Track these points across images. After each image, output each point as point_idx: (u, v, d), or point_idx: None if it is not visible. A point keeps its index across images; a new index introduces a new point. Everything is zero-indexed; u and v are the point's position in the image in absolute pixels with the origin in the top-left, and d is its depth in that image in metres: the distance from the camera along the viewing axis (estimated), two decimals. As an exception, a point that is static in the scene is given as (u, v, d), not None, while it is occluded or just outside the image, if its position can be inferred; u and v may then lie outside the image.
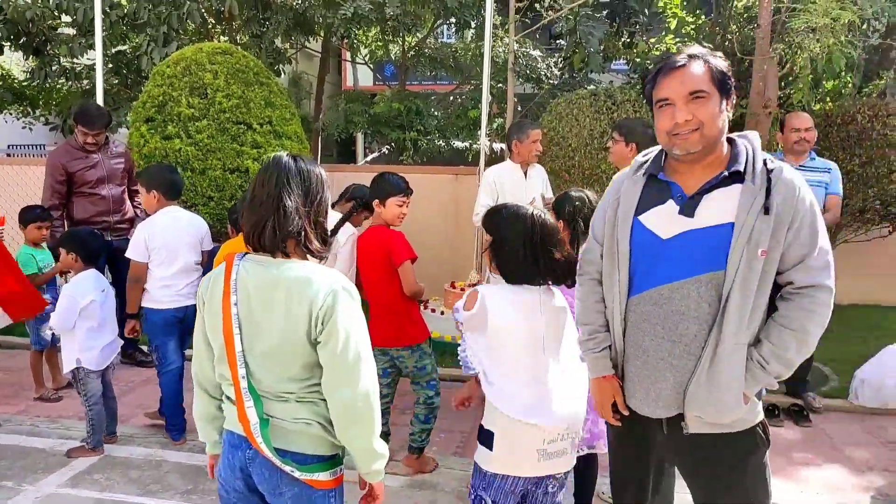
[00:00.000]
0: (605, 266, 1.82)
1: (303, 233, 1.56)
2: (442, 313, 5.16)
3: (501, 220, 2.09)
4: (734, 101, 1.73)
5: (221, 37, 8.21)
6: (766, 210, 1.59)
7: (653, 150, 1.83)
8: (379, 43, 9.75)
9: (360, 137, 13.57)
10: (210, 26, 8.12)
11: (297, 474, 1.58)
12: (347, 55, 11.65)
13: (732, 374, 1.64)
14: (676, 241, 1.68)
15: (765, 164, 1.65)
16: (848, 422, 3.90)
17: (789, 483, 3.18)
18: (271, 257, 1.58)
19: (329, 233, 1.67)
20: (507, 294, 2.01)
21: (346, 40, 9.35)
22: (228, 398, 1.64)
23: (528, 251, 2.00)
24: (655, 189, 1.75)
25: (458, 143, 9.20)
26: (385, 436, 3.15)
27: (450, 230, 6.37)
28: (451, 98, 9.62)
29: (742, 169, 1.64)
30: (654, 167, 1.77)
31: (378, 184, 3.10)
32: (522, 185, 4.26)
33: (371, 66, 10.78)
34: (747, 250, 1.60)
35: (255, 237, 1.57)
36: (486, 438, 2.00)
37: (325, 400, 1.57)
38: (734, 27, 7.67)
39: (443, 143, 8.96)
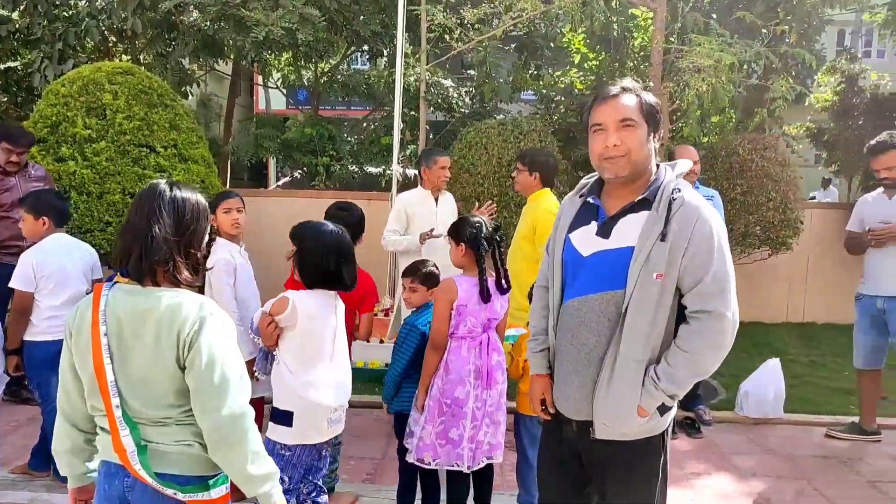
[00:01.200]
0: (549, 274, 1.98)
1: (171, 262, 1.57)
2: (354, 339, 5.13)
3: (306, 233, 2.45)
4: (661, 134, 1.87)
5: (123, 56, 7.90)
6: (663, 236, 1.71)
7: (594, 175, 1.97)
8: (291, 68, 9.68)
9: (272, 162, 13.34)
10: (111, 44, 7.81)
11: (180, 496, 1.56)
12: (259, 78, 11.48)
13: (628, 388, 1.75)
14: (592, 259, 1.82)
15: (673, 192, 1.76)
16: (735, 432, 4.19)
17: (685, 492, 3.38)
18: (140, 286, 1.57)
19: (204, 262, 1.68)
20: (310, 298, 2.40)
21: (257, 64, 9.22)
22: (103, 429, 1.61)
23: (328, 262, 2.39)
24: (587, 210, 1.91)
25: (371, 169, 9.23)
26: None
27: (362, 255, 6.35)
28: (365, 124, 9.66)
29: (650, 197, 1.78)
30: (589, 190, 1.93)
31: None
32: (433, 212, 4.34)
33: (283, 90, 10.67)
34: (644, 273, 1.72)
35: (122, 264, 1.59)
36: (284, 417, 2.37)
37: None
38: (631, 64, 8.20)
39: (356, 169, 8.97)
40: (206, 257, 1.69)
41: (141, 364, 1.55)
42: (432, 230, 4.15)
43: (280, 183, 11.94)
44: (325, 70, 9.39)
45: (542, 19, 8.31)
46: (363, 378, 4.84)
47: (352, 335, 3.11)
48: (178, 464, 1.58)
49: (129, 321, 1.56)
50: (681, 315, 1.79)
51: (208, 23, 7.18)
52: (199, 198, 1.67)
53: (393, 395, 2.86)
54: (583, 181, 2.01)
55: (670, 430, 1.92)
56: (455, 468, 2.66)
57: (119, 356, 1.56)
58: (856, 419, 4.12)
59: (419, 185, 4.52)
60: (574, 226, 1.91)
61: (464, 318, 2.63)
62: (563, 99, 8.68)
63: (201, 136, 5.63)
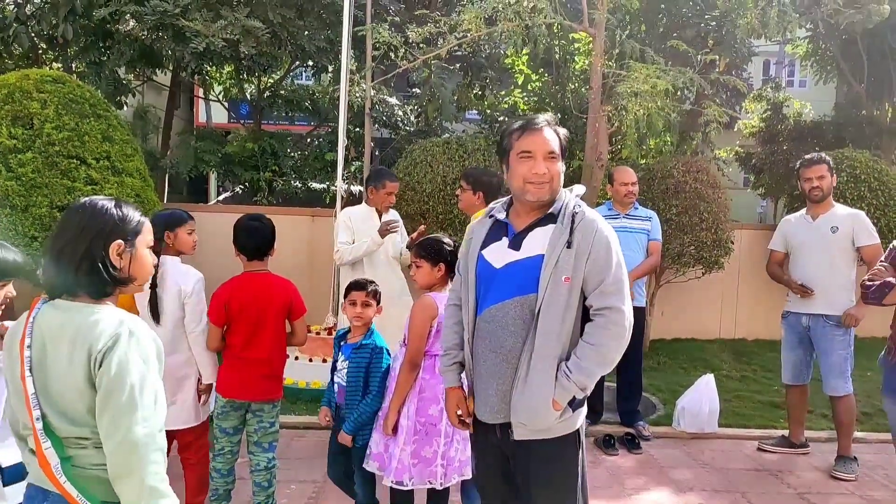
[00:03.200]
0: (462, 292, 2.14)
1: (90, 277, 1.54)
2: (297, 358, 5.02)
3: None
4: (601, 155, 2.06)
5: (54, 64, 7.57)
6: (569, 244, 1.92)
7: (502, 200, 2.17)
8: (233, 81, 9.49)
9: (212, 177, 13.00)
10: (41, 51, 7.47)
11: None
12: (200, 91, 11.21)
13: (543, 383, 1.91)
14: (505, 270, 2.00)
15: (574, 208, 1.99)
16: (672, 447, 4.29)
17: (623, 508, 3.43)
18: (69, 301, 1.55)
19: (120, 277, 1.57)
20: None
21: (197, 76, 9.00)
22: (31, 450, 1.54)
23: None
24: (497, 228, 2.09)
25: (315, 185, 9.12)
26: None
27: (306, 272, 6.26)
28: (308, 140, 9.55)
29: (556, 212, 2.00)
30: (499, 211, 2.11)
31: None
32: (377, 228, 4.31)
33: (225, 103, 10.44)
34: (553, 277, 1.91)
35: (45, 279, 1.57)
36: None
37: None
38: (572, 86, 8.42)
39: (299, 185, 8.84)
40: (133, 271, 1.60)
41: (56, 379, 1.53)
42: (391, 223, 4.15)
43: (221, 198, 11.65)
44: (269, 84, 9.25)
45: (487, 41, 8.48)
46: (306, 398, 4.73)
47: (284, 346, 3.01)
48: (95, 489, 1.51)
49: (50, 336, 1.54)
50: (584, 317, 1.98)
51: (146, 32, 6.98)
52: (130, 210, 1.62)
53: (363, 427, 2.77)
54: (491, 204, 2.19)
55: (584, 428, 2.06)
56: (428, 486, 2.64)
57: (39, 371, 1.54)
58: (785, 432, 4.29)
59: (364, 202, 4.49)
60: (486, 243, 2.08)
61: (441, 335, 2.61)
62: (506, 119, 8.82)
63: (136, 149, 5.44)
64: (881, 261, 3.11)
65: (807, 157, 4.15)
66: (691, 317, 7.06)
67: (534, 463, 1.99)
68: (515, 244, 2.00)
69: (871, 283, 3.01)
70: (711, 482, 3.77)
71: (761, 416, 4.80)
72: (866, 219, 4.01)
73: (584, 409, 2.04)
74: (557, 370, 1.91)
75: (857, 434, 4.28)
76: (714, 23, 7.69)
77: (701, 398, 4.43)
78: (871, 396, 5.00)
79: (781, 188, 8.73)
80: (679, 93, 6.90)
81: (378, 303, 2.88)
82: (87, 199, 1.61)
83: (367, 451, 2.70)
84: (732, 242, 6.40)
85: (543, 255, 1.93)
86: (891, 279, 2.93)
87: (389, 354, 2.86)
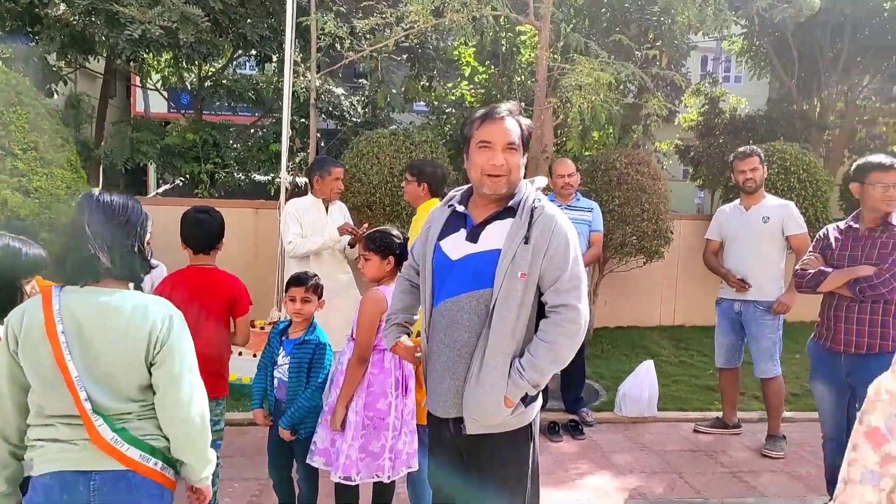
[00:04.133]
0: (419, 282, 2.12)
1: (132, 262, 1.73)
2: (240, 354, 4.92)
3: None
4: (526, 157, 2.04)
5: (-24, 48, 7.16)
6: (526, 240, 1.89)
7: (463, 188, 2.13)
8: (172, 69, 9.18)
9: (151, 168, 12.57)
10: (-39, 36, 7.05)
11: (158, 466, 1.71)
12: (137, 79, 10.79)
13: (496, 380, 1.89)
14: (461, 263, 1.97)
15: (534, 202, 1.95)
16: (614, 431, 4.42)
17: (568, 492, 3.51)
18: (96, 286, 1.68)
19: (146, 262, 1.81)
20: None
21: (133, 63, 8.66)
22: (46, 439, 1.64)
23: None
24: (455, 219, 2.05)
25: (259, 177, 8.93)
26: None
27: (249, 266, 6.12)
28: (252, 130, 9.34)
29: (514, 206, 1.95)
30: (458, 201, 2.08)
31: None
32: (324, 220, 4.26)
33: (163, 92, 10.09)
34: (510, 272, 1.88)
35: (61, 268, 1.69)
36: None
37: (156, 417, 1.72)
38: (518, 79, 8.50)
39: (242, 177, 8.63)
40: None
41: (102, 360, 1.65)
42: (350, 225, 4.13)
43: (160, 191, 11.27)
44: (210, 73, 8.99)
45: (434, 32, 8.46)
46: (250, 394, 4.63)
47: (228, 342, 2.96)
48: (149, 451, 1.71)
49: (86, 319, 1.65)
50: (540, 313, 1.96)
51: (77, 17, 6.66)
52: (132, 201, 1.79)
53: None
54: (451, 193, 2.16)
55: (537, 422, 2.07)
56: (376, 479, 2.63)
57: (81, 353, 1.64)
58: (719, 414, 4.47)
59: (309, 193, 4.43)
60: (444, 234, 2.05)
61: None
62: (454, 111, 8.84)
63: (67, 139, 5.20)
64: (810, 250, 3.25)
65: (740, 150, 4.32)
66: (633, 305, 7.26)
67: (485, 456, 1.98)
68: (473, 236, 1.97)
69: (804, 272, 3.14)
70: (650, 464, 3.90)
71: (698, 399, 4.99)
72: (795, 209, 4.20)
73: (539, 403, 2.04)
74: (511, 367, 1.89)
75: (786, 414, 4.50)
76: (655, 19, 7.87)
77: (641, 384, 4.57)
78: (800, 378, 5.27)
79: (718, 180, 9.03)
80: (622, 86, 7.06)
81: (319, 297, 2.85)
82: (116, 196, 1.77)
83: (312, 447, 2.68)
84: (672, 232, 6.60)
85: (500, 249, 1.91)
86: (824, 268, 3.07)
87: (332, 351, 2.84)
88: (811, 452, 4.07)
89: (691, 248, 7.18)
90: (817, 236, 3.28)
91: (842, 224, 3.14)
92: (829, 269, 3.04)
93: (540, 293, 1.94)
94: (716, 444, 4.22)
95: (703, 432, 4.39)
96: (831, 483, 3.20)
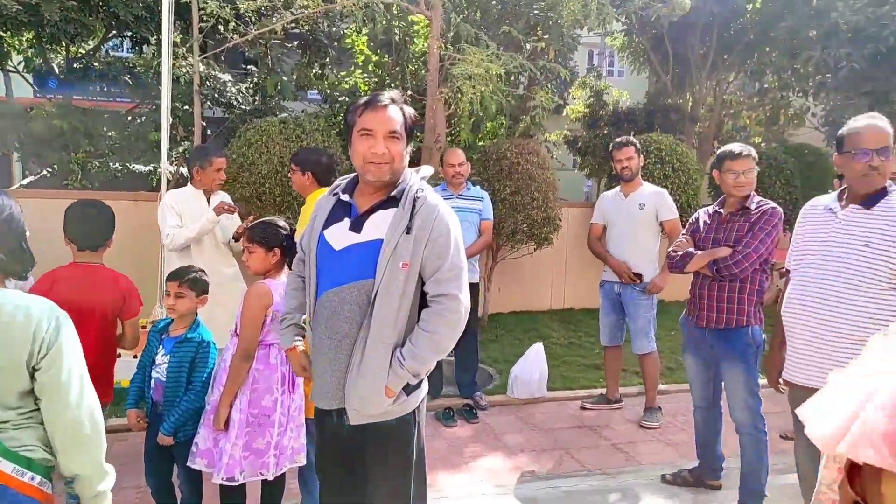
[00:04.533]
0: (305, 272, 2.10)
1: (23, 259, 1.65)
2: (119, 355, 4.62)
3: None
4: (413, 146, 2.05)
5: None
6: (408, 230, 1.89)
7: (349, 176, 2.11)
8: (35, 50, 8.41)
9: (14, 157, 11.47)
10: None
11: (35, 481, 1.58)
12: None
13: (377, 370, 1.89)
14: (344, 253, 1.96)
15: (417, 192, 1.96)
16: (506, 413, 4.56)
17: (462, 476, 3.59)
18: None
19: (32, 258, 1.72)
20: None
21: (-11, 42, 7.85)
22: None
23: None
24: (341, 208, 2.03)
25: (138, 167, 8.40)
26: None
27: (129, 262, 5.75)
28: (130, 118, 8.75)
29: (398, 196, 1.95)
30: (343, 189, 2.05)
31: None
32: (204, 212, 4.07)
33: (26, 75, 9.22)
34: (391, 262, 1.89)
35: None
36: None
37: (42, 424, 1.60)
38: (412, 68, 8.50)
39: (119, 167, 8.08)
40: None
41: None
42: (228, 203, 3.96)
43: (25, 182, 10.32)
44: (79, 55, 8.32)
45: (326, 18, 8.27)
46: (126, 398, 4.37)
47: (115, 345, 2.79)
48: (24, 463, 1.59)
49: None
50: (423, 303, 1.98)
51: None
52: (6, 198, 1.68)
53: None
54: (337, 181, 2.14)
55: (423, 410, 2.09)
56: (260, 477, 2.55)
57: None
58: (604, 391, 4.73)
59: (189, 184, 4.22)
60: (328, 223, 2.04)
61: (276, 323, 2.52)
62: (347, 99, 8.72)
63: None
64: (683, 233, 3.49)
65: (617, 140, 4.56)
66: (525, 290, 7.51)
67: (369, 445, 1.99)
68: (357, 226, 1.97)
69: (675, 253, 3.37)
70: (540, 443, 4.06)
71: (584, 377, 5.25)
72: (668, 196, 4.49)
73: (423, 392, 2.05)
74: (392, 357, 1.90)
75: (662, 387, 4.83)
76: (543, 14, 8.14)
77: (531, 366, 4.75)
78: (675, 353, 5.67)
79: (603, 169, 9.52)
80: (513, 78, 7.24)
81: (201, 293, 2.72)
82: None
83: (193, 448, 2.56)
84: (560, 220, 6.87)
85: (383, 239, 1.90)
86: (691, 250, 3.31)
87: (216, 348, 2.74)
88: (684, 421, 4.40)
89: (579, 234, 7.51)
90: (689, 220, 3.52)
91: (710, 208, 3.39)
92: (695, 251, 3.28)
93: (422, 283, 1.95)
94: (600, 420, 4.46)
95: (588, 409, 4.62)
96: (700, 447, 3.47)
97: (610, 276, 4.51)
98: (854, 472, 0.95)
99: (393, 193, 1.97)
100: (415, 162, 6.23)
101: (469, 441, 4.09)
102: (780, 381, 2.65)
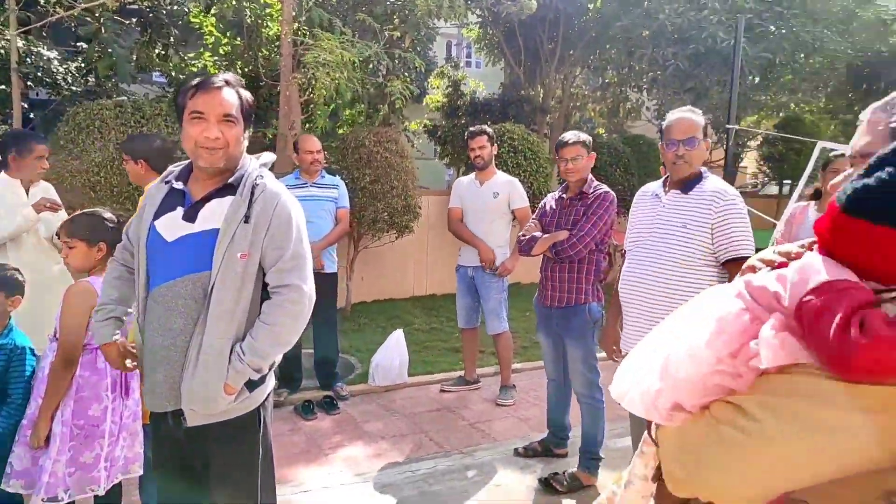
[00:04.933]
0: (134, 265, 1.97)
1: None
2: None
3: None
4: (251, 132, 1.96)
5: None
6: (247, 218, 1.83)
7: (182, 163, 2.00)
8: None
9: None
10: None
11: None
12: None
13: (215, 367, 1.81)
14: (178, 244, 1.85)
15: (256, 179, 1.89)
16: (368, 402, 4.57)
17: (321, 468, 3.55)
18: None
19: None
20: None
21: None
22: None
23: None
24: (173, 196, 1.91)
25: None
26: None
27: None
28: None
29: (235, 183, 1.88)
30: (176, 176, 1.94)
31: None
32: (22, 204, 3.66)
33: None
34: (229, 253, 1.81)
35: None
36: None
37: None
38: (265, 52, 8.17)
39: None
40: None
41: None
42: (51, 200, 3.57)
43: None
44: None
45: (166, -5, 7.71)
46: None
47: None
48: None
49: None
50: (265, 296, 1.92)
51: None
52: None
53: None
54: (169, 168, 2.02)
55: (270, 406, 2.03)
56: (90, 494, 2.33)
57: None
58: (462, 373, 4.88)
59: (2, 173, 3.76)
60: (159, 213, 1.92)
61: None
62: (195, 83, 8.19)
63: None
64: (533, 218, 3.68)
65: (470, 129, 4.70)
66: (388, 279, 7.55)
67: (210, 447, 1.89)
68: (190, 215, 1.86)
69: (523, 237, 3.55)
70: (400, 428, 4.12)
71: (445, 361, 5.39)
72: (520, 185, 4.69)
73: (269, 385, 1.99)
74: (231, 352, 1.82)
75: (516, 365, 5.08)
76: (399, 2, 8.14)
77: (392, 353, 4.79)
78: (529, 332, 5.97)
79: (461, 157, 9.75)
80: (371, 66, 7.19)
81: (9, 293, 2.44)
82: None
83: (8, 469, 2.31)
84: (420, 208, 6.96)
85: (219, 228, 1.82)
86: (536, 234, 3.49)
87: (34, 355, 2.48)
88: (536, 397, 4.66)
89: (440, 222, 7.65)
90: (539, 205, 3.72)
91: (556, 194, 3.61)
92: (540, 235, 3.47)
93: (263, 274, 1.90)
94: (458, 401, 4.61)
95: (447, 391, 4.75)
96: (549, 418, 3.70)
97: (465, 260, 4.65)
98: (650, 422, 1.07)
99: (230, 181, 1.88)
100: (271, 148, 6.02)
101: (329, 433, 4.05)
102: (615, 350, 2.89)
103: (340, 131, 8.13)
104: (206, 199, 1.88)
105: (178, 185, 1.92)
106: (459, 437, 3.98)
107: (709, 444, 0.87)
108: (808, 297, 0.83)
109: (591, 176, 3.48)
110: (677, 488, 0.93)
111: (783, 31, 8.30)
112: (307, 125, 7.22)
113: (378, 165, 6.57)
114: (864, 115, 1.01)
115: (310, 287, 1.92)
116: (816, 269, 0.87)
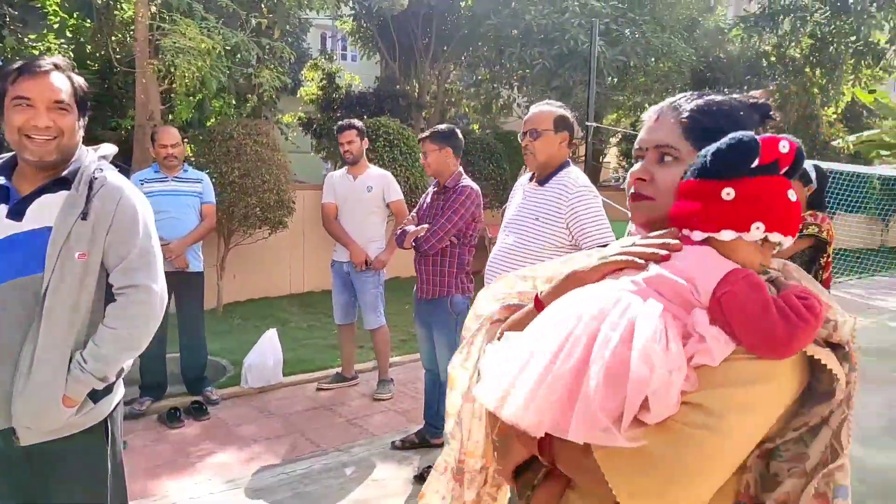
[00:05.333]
0: None
1: None
2: None
3: None
4: (86, 121, 1.81)
5: None
6: (84, 215, 1.68)
7: (6, 155, 1.82)
8: None
9: None
10: None
11: None
12: None
13: (50, 379, 1.65)
14: (3, 245, 1.67)
15: (95, 173, 1.75)
16: (241, 405, 4.40)
17: (185, 479, 3.35)
18: None
19: None
20: None
21: None
22: None
23: None
24: None
25: None
26: None
27: None
28: None
29: (70, 177, 1.72)
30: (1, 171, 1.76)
31: None
32: None
33: None
34: (64, 253, 1.67)
35: None
36: None
37: None
38: (119, 36, 7.58)
39: None
40: None
41: None
42: None
43: None
44: None
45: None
46: None
47: None
48: None
49: None
50: (109, 298, 1.78)
51: None
52: None
53: None
54: None
55: (119, 417, 1.89)
56: None
57: None
58: (339, 369, 4.82)
59: None
60: None
61: None
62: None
63: None
64: (413, 212, 3.70)
65: (339, 123, 4.64)
66: (263, 276, 7.30)
67: (49, 467, 1.72)
68: (17, 213, 1.68)
69: (397, 231, 3.57)
70: (275, 430, 4.00)
71: (321, 358, 5.30)
72: (393, 179, 4.70)
73: (117, 395, 1.84)
74: (70, 361, 1.67)
75: (395, 358, 5.11)
76: (267, -10, 7.86)
77: (265, 353, 4.63)
78: (407, 325, 6.01)
79: (337, 152, 9.62)
80: (238, 55, 6.88)
81: None
82: None
83: None
84: (294, 203, 6.78)
85: (52, 227, 1.66)
86: (408, 228, 3.52)
87: None
88: (414, 389, 4.70)
89: (315, 217, 7.48)
90: (420, 199, 3.77)
91: (432, 188, 3.66)
92: (409, 228, 3.50)
93: (107, 274, 1.76)
94: (336, 398, 4.55)
95: (324, 389, 4.67)
96: (425, 409, 3.75)
97: (339, 255, 4.59)
98: (543, 444, 1.02)
99: (64, 174, 1.73)
100: (130, 140, 5.58)
101: (198, 440, 3.85)
102: None
103: (208, 123, 7.72)
104: (36, 194, 1.71)
105: (1, 181, 1.73)
106: (336, 435, 3.93)
107: (685, 452, 0.84)
108: (725, 289, 0.88)
109: (460, 171, 3.55)
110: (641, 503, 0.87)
111: (636, 35, 8.94)
112: (169, 116, 6.79)
113: (248, 159, 6.32)
114: (651, 114, 1.10)
115: (160, 286, 1.81)
116: (714, 259, 0.92)
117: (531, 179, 2.83)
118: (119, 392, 1.88)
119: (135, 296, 1.75)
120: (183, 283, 4.10)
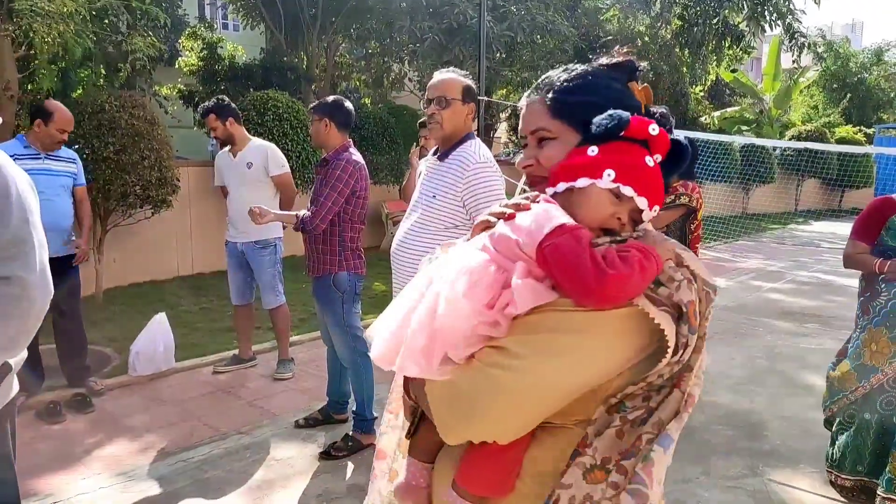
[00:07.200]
0: None
1: None
2: None
3: None
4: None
5: None
6: None
7: None
8: None
9: None
10: None
11: None
12: None
13: None
14: None
15: None
16: (129, 395, 4.16)
17: (71, 475, 3.14)
18: None
19: None
20: None
21: None
22: None
23: None
24: None
25: None
26: None
27: None
28: None
29: None
30: None
31: None
32: None
33: None
34: None
35: None
36: None
37: None
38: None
39: None
40: None
41: None
42: None
43: None
44: None
45: None
46: None
47: None
48: None
49: None
50: None
51: None
52: None
53: None
54: None
55: (10, 416, 1.73)
56: None
57: None
58: (236, 352, 4.67)
59: None
60: None
61: None
62: None
63: None
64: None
65: (201, 105, 4.46)
66: (147, 259, 6.88)
67: None
68: None
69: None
70: (170, 417, 3.82)
71: (217, 342, 5.10)
72: (275, 151, 4.46)
73: (8, 391, 1.65)
74: None
75: (295, 337, 5.01)
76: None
77: (154, 338, 4.40)
78: (307, 304, 5.91)
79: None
80: (107, 21, 6.33)
81: None
82: None
83: None
84: (179, 180, 6.41)
85: None
86: (306, 212, 3.40)
87: None
88: (316, 367, 4.65)
89: (202, 195, 7.14)
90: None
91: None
92: (308, 210, 3.40)
93: None
94: (234, 381, 4.41)
95: (221, 372, 4.51)
96: (329, 384, 3.72)
97: (231, 236, 4.42)
98: (407, 381, 1.11)
99: None
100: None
101: (84, 434, 3.61)
102: None
103: (75, 94, 7.09)
104: None
105: None
106: (236, 418, 3.82)
107: (479, 388, 0.91)
108: (549, 242, 0.93)
109: (346, 144, 3.43)
110: (452, 437, 0.97)
111: (522, 12, 9.13)
112: (28, 85, 6.17)
113: (124, 133, 5.89)
114: (522, 103, 1.16)
115: (39, 276, 1.59)
116: (548, 215, 0.97)
117: (434, 153, 2.74)
118: (10, 389, 1.68)
119: (8, 290, 1.54)
120: (54, 268, 3.78)
